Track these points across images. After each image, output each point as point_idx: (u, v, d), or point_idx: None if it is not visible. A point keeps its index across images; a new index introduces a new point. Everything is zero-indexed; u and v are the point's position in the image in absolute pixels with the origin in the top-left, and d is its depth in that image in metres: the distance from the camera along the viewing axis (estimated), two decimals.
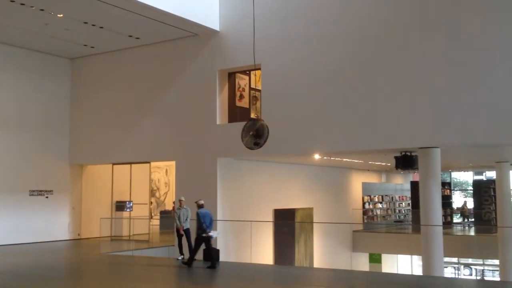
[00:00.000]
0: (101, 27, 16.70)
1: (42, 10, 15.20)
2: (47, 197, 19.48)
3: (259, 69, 16.42)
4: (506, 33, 12.74)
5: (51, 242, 18.94)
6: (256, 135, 11.32)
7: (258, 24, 16.19)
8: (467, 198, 34.59)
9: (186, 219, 14.11)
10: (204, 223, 12.44)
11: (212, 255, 12.70)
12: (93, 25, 16.45)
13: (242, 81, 17.70)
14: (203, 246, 12.90)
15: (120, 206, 20.38)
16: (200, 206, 12.93)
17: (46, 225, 19.27)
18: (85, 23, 16.26)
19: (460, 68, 13.12)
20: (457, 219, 31.67)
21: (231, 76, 17.34)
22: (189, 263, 12.89)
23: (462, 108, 13.02)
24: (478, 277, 28.26)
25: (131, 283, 11.04)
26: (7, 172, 18.35)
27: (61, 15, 15.69)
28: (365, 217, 27.53)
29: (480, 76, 12.89)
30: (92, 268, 13.82)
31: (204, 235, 12.47)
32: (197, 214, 12.64)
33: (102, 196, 20.40)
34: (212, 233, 12.50)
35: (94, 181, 21.01)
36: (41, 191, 19.33)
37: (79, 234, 20.33)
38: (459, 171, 33.50)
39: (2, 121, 18.44)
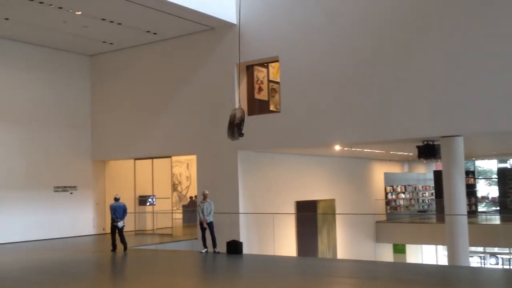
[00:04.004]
0: (119, 24, 16.80)
1: (60, 8, 15.34)
2: (71, 193, 19.77)
3: (277, 61, 16.37)
4: None
5: (76, 237, 19.22)
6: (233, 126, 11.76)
7: (275, 16, 16.19)
8: (492, 186, 34.10)
9: (210, 213, 14.26)
10: (114, 214, 14.63)
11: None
12: (111, 21, 16.57)
13: (260, 73, 17.65)
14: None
15: (143, 200, 20.57)
16: (115, 200, 14.99)
17: (70, 220, 19.58)
18: (103, 20, 16.38)
19: (482, 54, 12.89)
20: (482, 208, 31.24)
21: (249, 69, 17.30)
22: (113, 248, 14.82)
23: (485, 95, 12.81)
24: (505, 266, 27.87)
25: (155, 276, 11.13)
26: (32, 170, 18.68)
27: (79, 13, 15.81)
28: (388, 207, 27.27)
29: (503, 61, 12.64)
30: (117, 262, 13.96)
31: (114, 224, 14.70)
32: (110, 207, 14.83)
33: (125, 191, 20.50)
34: (119, 223, 14.66)
35: (117, 176, 21.23)
36: (65, 187, 19.60)
37: (103, 229, 20.54)
38: (482, 159, 32.97)
39: (26, 120, 18.73)
